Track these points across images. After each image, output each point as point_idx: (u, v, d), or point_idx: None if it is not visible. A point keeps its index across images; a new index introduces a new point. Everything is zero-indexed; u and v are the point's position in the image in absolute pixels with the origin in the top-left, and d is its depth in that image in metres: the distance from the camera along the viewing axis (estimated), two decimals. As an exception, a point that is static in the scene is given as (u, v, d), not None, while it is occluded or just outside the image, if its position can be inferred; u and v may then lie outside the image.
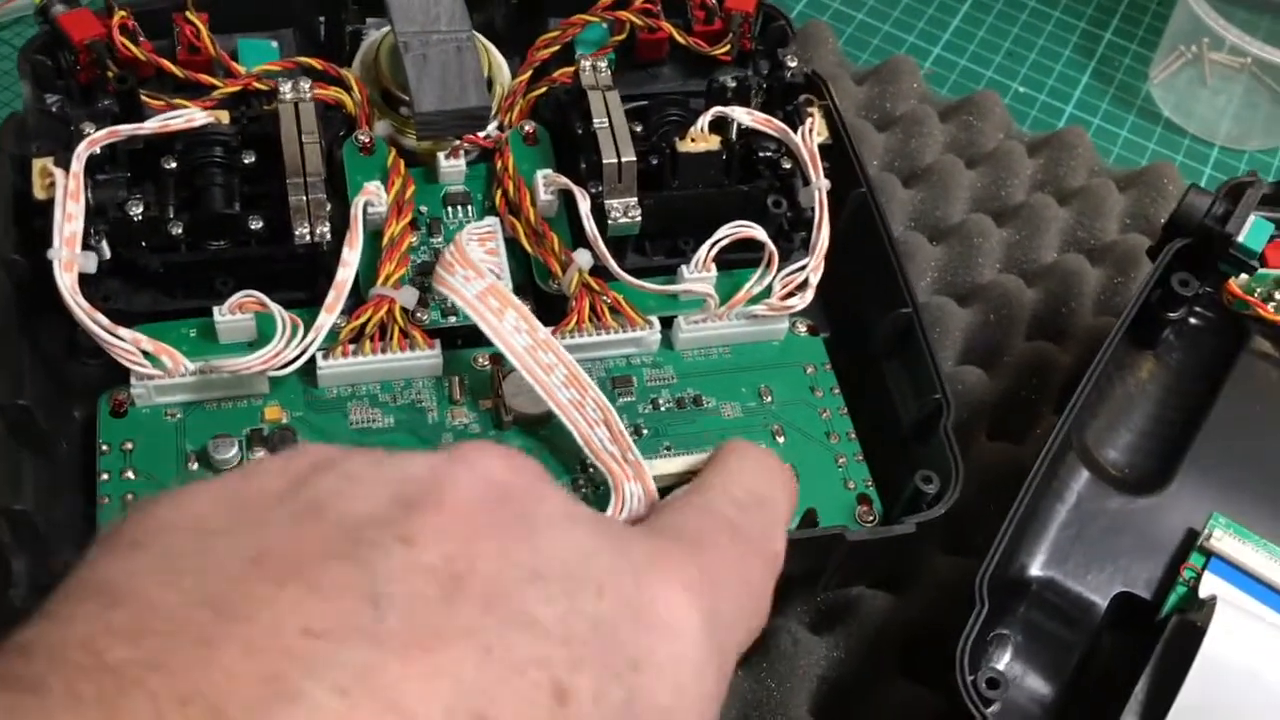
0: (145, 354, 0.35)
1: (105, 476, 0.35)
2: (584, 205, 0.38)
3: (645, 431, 0.38)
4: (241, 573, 0.15)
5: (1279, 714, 0.32)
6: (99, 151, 0.37)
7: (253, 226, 0.37)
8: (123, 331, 0.35)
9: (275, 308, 0.36)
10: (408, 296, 0.37)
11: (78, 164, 0.36)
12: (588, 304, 0.38)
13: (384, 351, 0.37)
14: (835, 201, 0.41)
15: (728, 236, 0.39)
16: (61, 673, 0.13)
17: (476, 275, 0.35)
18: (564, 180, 0.39)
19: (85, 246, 0.35)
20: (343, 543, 0.15)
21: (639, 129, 0.40)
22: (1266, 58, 0.60)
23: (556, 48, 0.43)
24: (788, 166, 0.41)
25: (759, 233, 0.39)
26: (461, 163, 0.41)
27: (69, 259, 0.35)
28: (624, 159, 0.39)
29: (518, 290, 0.38)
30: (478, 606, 0.15)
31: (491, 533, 0.16)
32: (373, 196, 0.38)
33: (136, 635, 0.14)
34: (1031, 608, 0.36)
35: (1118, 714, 0.32)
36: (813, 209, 0.40)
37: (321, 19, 0.45)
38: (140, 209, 0.36)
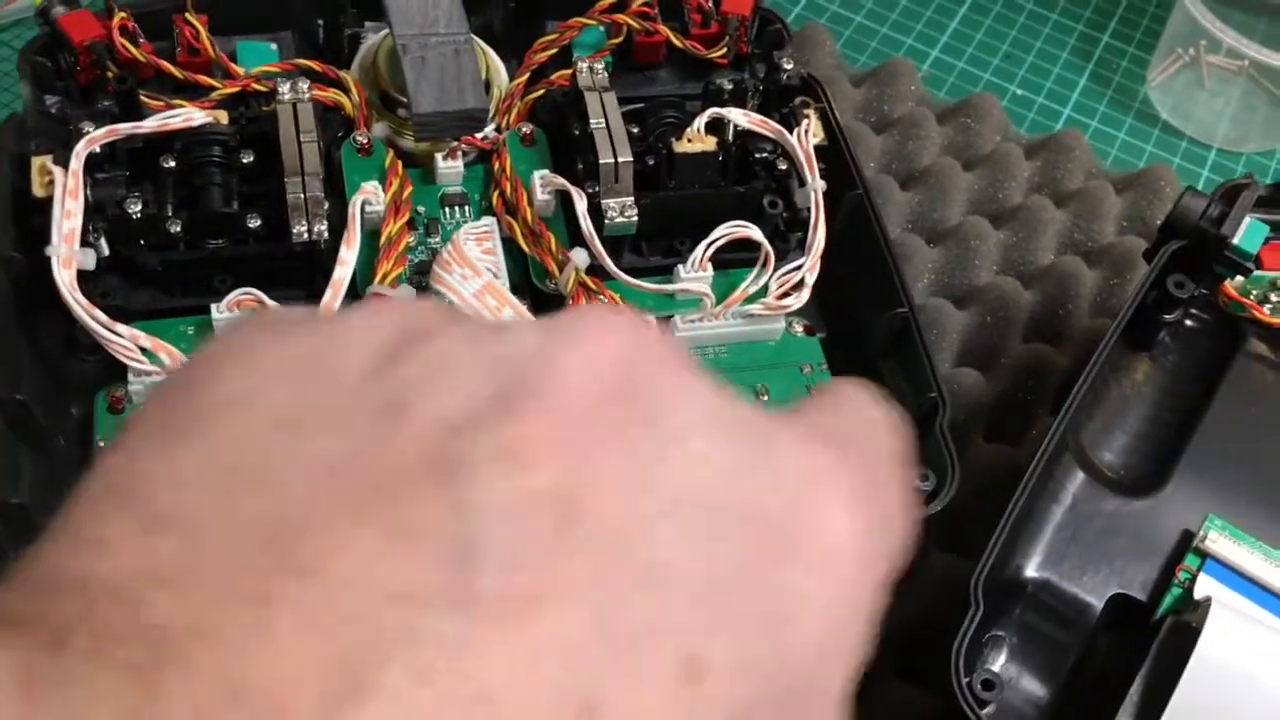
0: (143, 350, 0.35)
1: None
2: (581, 205, 0.38)
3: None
4: (312, 495, 0.12)
5: (1273, 715, 0.32)
6: (98, 150, 0.37)
7: (251, 225, 0.37)
8: (121, 328, 0.35)
9: (273, 305, 0.36)
10: (405, 295, 0.37)
11: (77, 162, 0.36)
12: (584, 303, 0.38)
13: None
14: (831, 202, 0.41)
15: (724, 236, 0.39)
16: (88, 626, 0.11)
17: (474, 274, 0.36)
18: (561, 180, 0.39)
19: (84, 244, 0.36)
20: (432, 457, 0.12)
21: (636, 130, 0.41)
22: (1264, 60, 0.60)
23: (554, 50, 0.44)
24: (784, 168, 0.41)
25: (755, 233, 0.39)
26: (459, 164, 0.41)
27: (68, 256, 0.35)
28: (621, 159, 0.39)
29: (515, 289, 0.38)
30: (591, 556, 0.12)
31: (610, 447, 0.13)
32: (370, 195, 0.38)
33: (182, 584, 0.11)
34: (1027, 609, 0.36)
35: (1113, 716, 0.32)
36: (808, 209, 0.41)
37: (320, 22, 0.45)
38: (139, 207, 0.36)
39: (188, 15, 0.41)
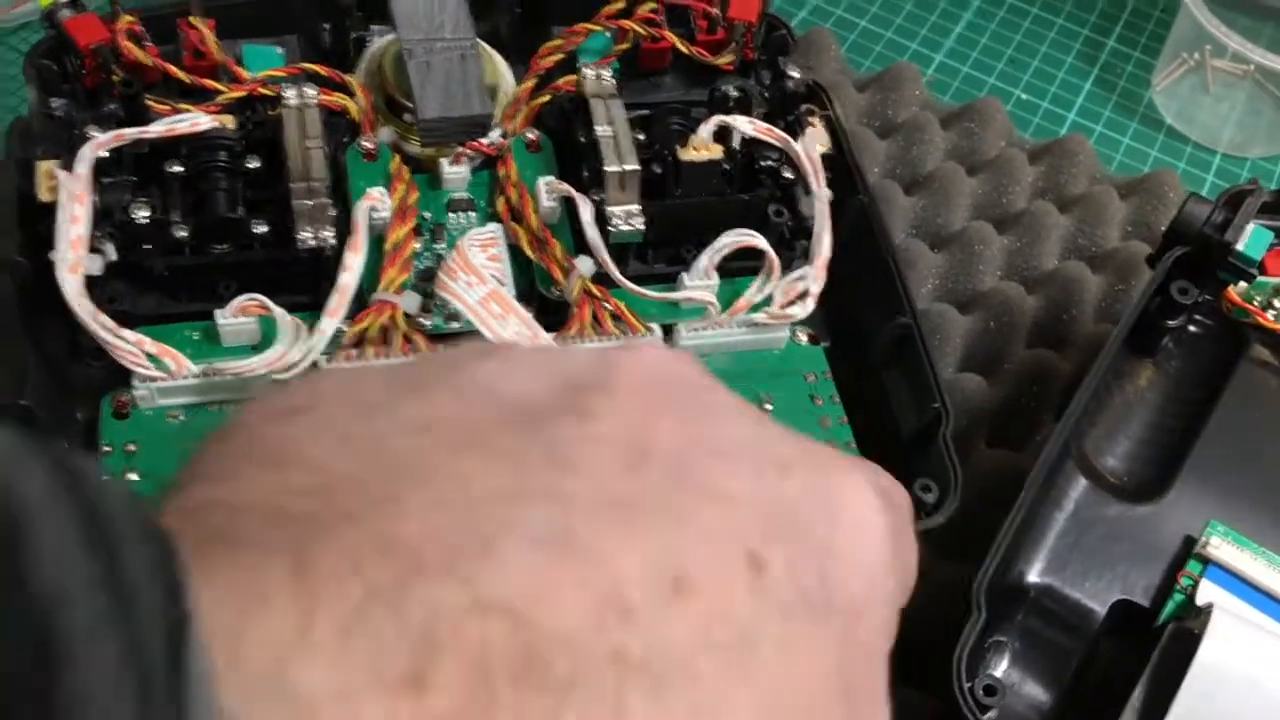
0: (149, 356, 0.35)
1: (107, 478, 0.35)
2: (586, 212, 0.39)
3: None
4: (412, 442, 0.14)
5: (1275, 722, 0.32)
6: (104, 155, 0.37)
7: (256, 230, 0.37)
8: (126, 333, 0.35)
9: (278, 311, 0.36)
10: (410, 301, 0.37)
11: (83, 166, 0.36)
12: (589, 311, 0.38)
13: (386, 356, 0.37)
14: (836, 209, 0.41)
15: (729, 245, 0.39)
16: (244, 523, 0.13)
17: (479, 281, 0.36)
18: (566, 187, 0.39)
19: (91, 249, 0.36)
20: (515, 415, 0.15)
21: (642, 137, 0.41)
22: (1269, 65, 0.60)
23: (560, 56, 0.44)
24: (789, 176, 0.41)
25: (760, 241, 0.39)
26: (465, 169, 0.41)
27: (74, 261, 0.35)
28: (627, 167, 0.39)
29: (520, 296, 0.38)
30: (664, 478, 0.14)
31: (668, 409, 0.15)
32: (376, 202, 0.38)
33: (319, 492, 0.13)
34: (1029, 615, 0.36)
35: (1114, 721, 0.32)
36: (814, 218, 0.41)
37: (326, 26, 0.45)
38: (145, 212, 0.37)
39: (193, 19, 0.41)
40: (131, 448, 0.36)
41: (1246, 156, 0.64)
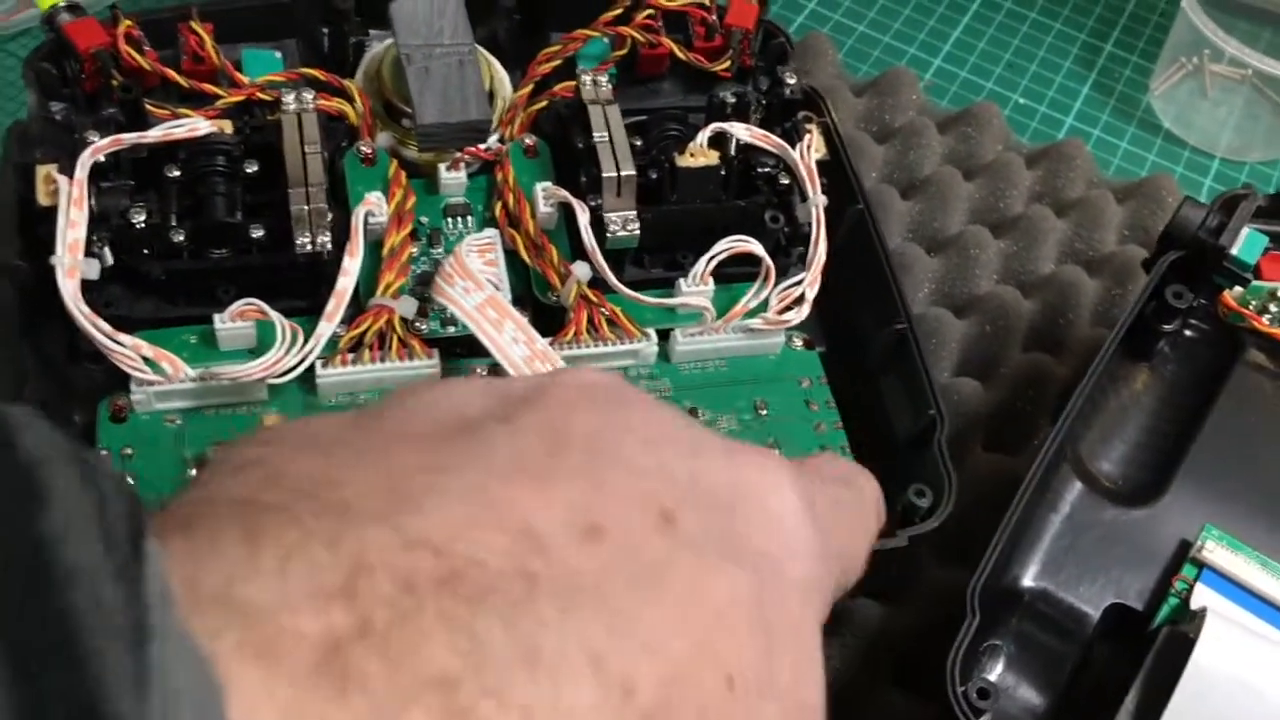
0: (146, 360, 0.35)
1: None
2: (583, 218, 0.39)
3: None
4: (357, 445, 0.16)
5: (1268, 727, 0.32)
6: (103, 159, 0.37)
7: (254, 235, 0.37)
8: (123, 337, 0.35)
9: (275, 316, 0.36)
10: (407, 306, 0.38)
11: (81, 171, 0.36)
12: (585, 316, 0.38)
13: (383, 360, 0.37)
14: (832, 216, 0.41)
15: (725, 251, 0.39)
16: (204, 510, 0.14)
17: (475, 286, 0.36)
18: (563, 193, 0.40)
19: (88, 253, 0.36)
20: (451, 425, 0.16)
21: (639, 143, 0.41)
22: (1267, 70, 0.60)
23: (558, 62, 0.44)
24: (786, 182, 0.41)
25: (756, 247, 0.39)
26: (462, 175, 0.42)
27: (72, 265, 0.35)
28: (623, 173, 0.39)
29: (516, 302, 0.38)
30: (581, 454, 0.16)
31: (589, 408, 0.17)
32: (374, 207, 0.39)
33: (272, 483, 0.15)
34: (1024, 618, 0.36)
35: (1108, 725, 0.33)
36: (810, 224, 0.41)
37: (325, 31, 0.45)
38: (143, 217, 0.37)
39: (193, 24, 0.42)
40: (128, 451, 0.36)
41: (1245, 161, 0.64)
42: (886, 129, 0.58)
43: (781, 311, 0.40)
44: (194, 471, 0.36)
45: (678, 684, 0.14)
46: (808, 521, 0.18)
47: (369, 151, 0.41)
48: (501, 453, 0.16)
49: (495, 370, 0.38)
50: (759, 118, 0.43)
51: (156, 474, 0.35)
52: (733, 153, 0.41)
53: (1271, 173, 0.64)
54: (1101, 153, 0.62)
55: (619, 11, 0.44)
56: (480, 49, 0.43)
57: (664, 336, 0.40)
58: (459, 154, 0.41)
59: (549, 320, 0.39)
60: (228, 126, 0.40)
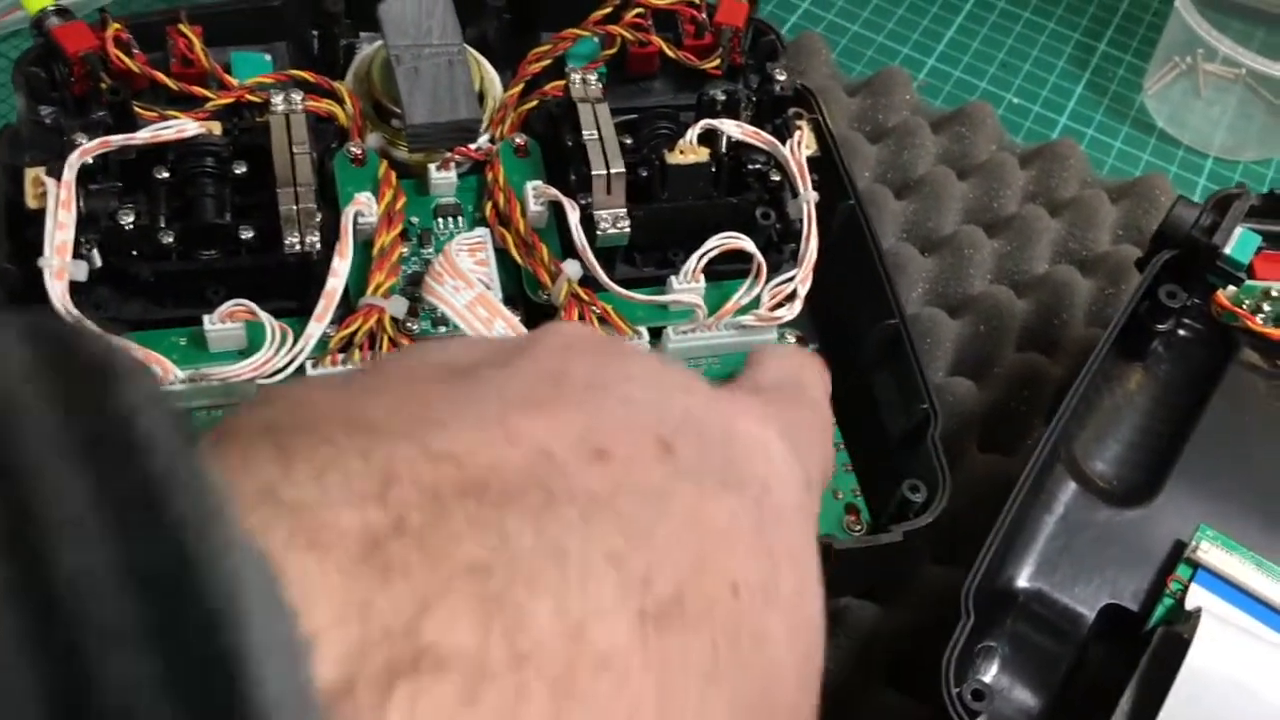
0: (135, 363, 0.35)
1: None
2: (573, 216, 0.39)
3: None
4: (370, 388, 0.17)
5: (1263, 726, 0.32)
6: (91, 161, 0.37)
7: (243, 236, 0.37)
8: (112, 339, 0.35)
9: (265, 316, 0.36)
10: (397, 306, 0.37)
11: (69, 173, 0.36)
12: (577, 314, 0.38)
13: (372, 360, 0.37)
14: (825, 213, 0.41)
15: (717, 248, 0.39)
16: (231, 436, 0.15)
17: (466, 285, 0.36)
18: (553, 192, 0.39)
19: (76, 255, 0.36)
20: (451, 371, 0.17)
21: (629, 141, 0.41)
22: (1260, 69, 0.60)
23: (548, 61, 0.44)
24: (777, 179, 0.41)
25: (748, 244, 0.39)
26: (452, 174, 0.41)
27: (60, 267, 0.35)
28: (613, 171, 0.39)
29: (507, 300, 0.38)
30: (580, 389, 0.17)
31: (583, 352, 0.18)
32: (363, 207, 0.38)
33: (298, 407, 0.16)
34: (1019, 619, 0.36)
35: (1103, 726, 0.32)
36: (801, 221, 0.41)
37: (315, 33, 0.45)
38: (131, 218, 0.37)
39: (182, 27, 0.42)
40: (118, 454, 0.35)
41: (1238, 160, 0.64)
42: (880, 129, 0.58)
43: (773, 308, 0.40)
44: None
45: (690, 585, 0.15)
46: (788, 450, 0.19)
47: (359, 152, 0.40)
48: (506, 388, 0.16)
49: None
50: (749, 115, 0.43)
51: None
52: (723, 150, 0.41)
53: (1265, 172, 0.64)
54: (1095, 152, 0.62)
55: (608, 10, 0.44)
56: (470, 49, 0.43)
57: (656, 334, 0.40)
58: (449, 154, 0.41)
59: (540, 319, 0.39)
60: (216, 128, 0.40)
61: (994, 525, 0.35)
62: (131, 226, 0.37)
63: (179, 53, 0.41)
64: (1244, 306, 0.41)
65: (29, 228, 0.37)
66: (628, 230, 0.39)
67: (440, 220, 0.41)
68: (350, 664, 0.12)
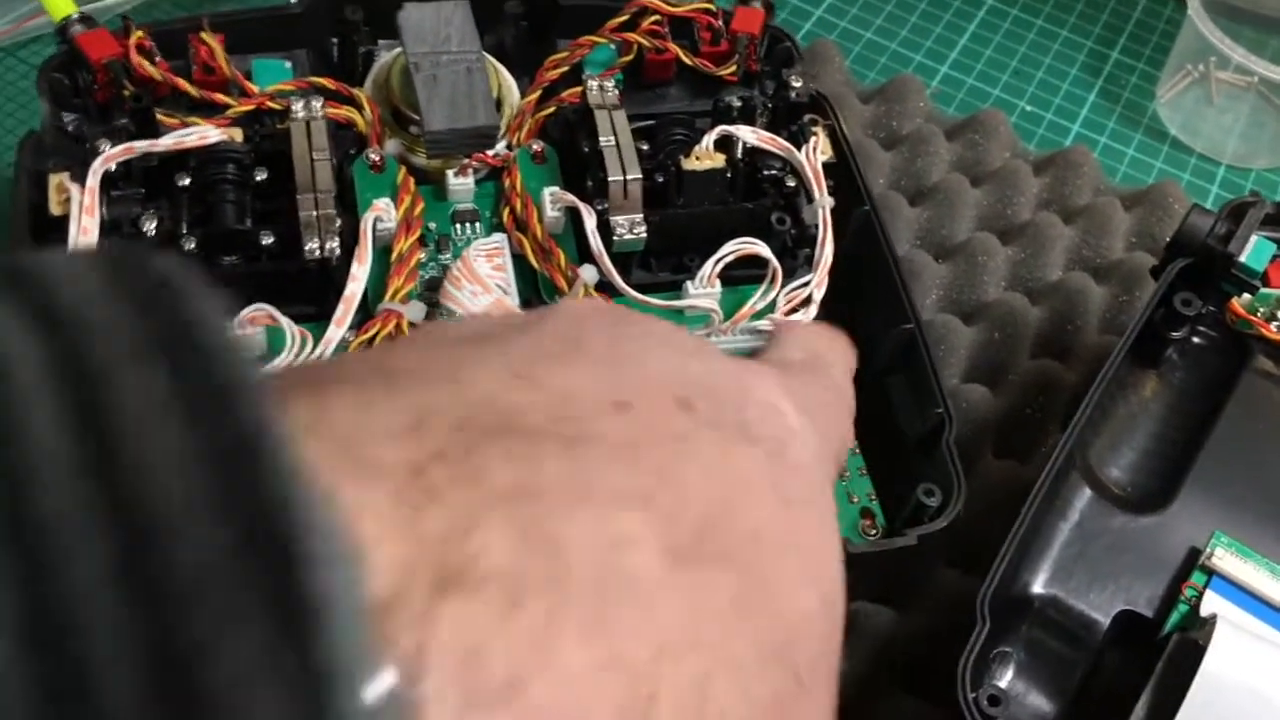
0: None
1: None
2: (590, 222, 0.39)
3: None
4: (392, 350, 0.17)
5: (1279, 733, 0.32)
6: (114, 168, 0.37)
7: (264, 242, 0.38)
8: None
9: (285, 321, 0.37)
10: (415, 311, 0.38)
11: (93, 179, 0.37)
12: (590, 312, 0.39)
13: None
14: (840, 219, 0.41)
15: (732, 253, 0.40)
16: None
17: (483, 290, 0.36)
18: (570, 197, 0.40)
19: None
20: (472, 333, 0.18)
21: (645, 148, 0.41)
22: (1273, 77, 0.60)
23: (565, 68, 0.44)
24: (792, 185, 0.41)
25: (763, 249, 0.40)
26: (470, 181, 0.42)
27: (83, 273, 0.35)
28: (629, 176, 0.39)
29: (524, 305, 0.39)
30: (595, 353, 0.17)
31: (599, 320, 0.18)
32: (382, 213, 0.39)
33: (336, 366, 0.17)
34: (1034, 625, 0.36)
35: (1118, 731, 0.32)
36: (817, 226, 0.41)
37: (335, 40, 0.46)
38: (154, 224, 0.37)
39: (204, 34, 0.42)
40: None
41: (1251, 168, 0.64)
42: (894, 136, 0.58)
43: (789, 313, 0.40)
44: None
45: (714, 526, 0.16)
46: (805, 419, 0.19)
47: (378, 159, 0.41)
48: (527, 345, 0.17)
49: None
50: (765, 121, 0.43)
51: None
52: (739, 156, 0.41)
53: (1277, 179, 0.64)
54: (1108, 160, 0.62)
55: (625, 18, 0.44)
56: (488, 56, 0.43)
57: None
58: (467, 160, 0.42)
59: (557, 326, 0.39)
60: (238, 135, 0.40)
61: (1009, 531, 0.35)
62: (153, 232, 0.37)
63: (201, 60, 0.42)
64: (1259, 314, 0.41)
65: (53, 233, 0.37)
66: (644, 235, 0.40)
67: (458, 226, 0.42)
68: (400, 576, 0.12)
